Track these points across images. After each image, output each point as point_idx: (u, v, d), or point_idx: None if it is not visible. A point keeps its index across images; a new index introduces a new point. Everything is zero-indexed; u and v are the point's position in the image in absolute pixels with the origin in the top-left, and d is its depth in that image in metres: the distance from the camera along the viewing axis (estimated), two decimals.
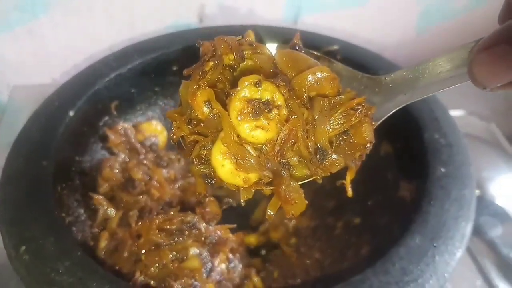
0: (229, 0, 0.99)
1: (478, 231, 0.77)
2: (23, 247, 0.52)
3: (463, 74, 0.40)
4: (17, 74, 1.00)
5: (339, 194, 0.77)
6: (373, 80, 0.50)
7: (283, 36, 0.79)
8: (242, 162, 0.42)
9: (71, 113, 0.68)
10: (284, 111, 0.42)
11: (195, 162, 0.45)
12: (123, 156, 0.76)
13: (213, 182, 0.45)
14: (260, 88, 0.42)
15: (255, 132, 0.42)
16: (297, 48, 0.49)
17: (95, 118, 0.75)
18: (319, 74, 0.44)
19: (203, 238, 0.61)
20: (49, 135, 0.65)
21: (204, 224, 0.62)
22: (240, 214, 0.74)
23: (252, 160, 0.43)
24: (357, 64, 0.71)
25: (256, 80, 0.42)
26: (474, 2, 1.10)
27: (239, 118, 0.42)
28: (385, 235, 0.67)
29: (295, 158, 0.44)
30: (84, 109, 0.70)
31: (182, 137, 0.46)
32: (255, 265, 0.69)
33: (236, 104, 0.42)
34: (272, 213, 0.45)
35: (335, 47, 0.80)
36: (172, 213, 0.63)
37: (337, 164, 0.45)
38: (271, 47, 0.48)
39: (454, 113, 0.71)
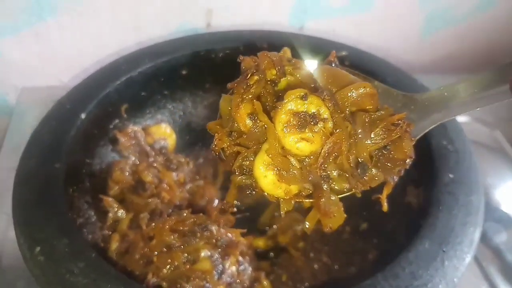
0: (235, 5, 0.99)
1: (483, 237, 0.77)
2: (38, 248, 0.52)
3: (499, 93, 0.41)
4: (24, 76, 1.01)
5: (347, 199, 0.78)
6: (408, 98, 0.51)
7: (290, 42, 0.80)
8: (285, 174, 0.43)
9: (83, 116, 0.69)
10: (330, 124, 0.43)
11: (236, 173, 0.46)
12: (133, 158, 0.76)
13: (254, 192, 0.46)
14: (306, 102, 0.43)
15: (300, 144, 0.43)
16: (333, 65, 0.50)
17: (106, 121, 0.76)
18: (361, 90, 0.45)
19: (214, 241, 0.61)
20: (61, 138, 0.65)
21: (216, 226, 0.63)
22: (248, 218, 0.75)
23: (295, 172, 0.43)
24: (366, 70, 0.71)
25: (303, 93, 0.43)
26: (479, 8, 1.10)
27: (285, 130, 0.43)
28: (392, 240, 0.68)
29: (335, 172, 0.45)
30: (95, 112, 0.71)
31: (222, 148, 0.47)
32: (264, 268, 0.70)
33: (282, 117, 0.43)
34: (310, 225, 0.46)
35: (344, 53, 0.81)
36: (185, 214, 0.63)
37: (376, 178, 0.46)
38: (309, 64, 0.49)
39: (459, 119, 0.72)
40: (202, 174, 0.82)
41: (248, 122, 0.44)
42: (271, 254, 0.77)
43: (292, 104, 0.43)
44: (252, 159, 0.45)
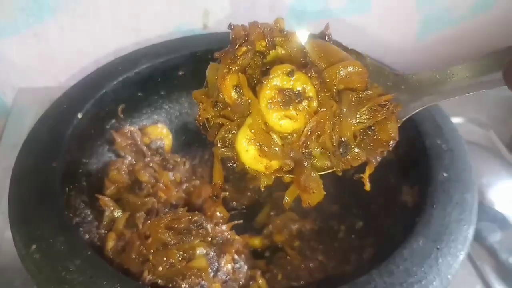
0: (232, 7, 1.00)
1: (477, 237, 0.78)
2: (34, 246, 0.52)
3: (492, 80, 0.41)
4: (22, 76, 1.01)
5: (342, 198, 0.79)
6: (399, 77, 0.50)
7: None
8: (266, 150, 0.43)
9: (80, 116, 0.69)
10: (315, 103, 0.43)
11: (219, 145, 0.45)
12: (129, 158, 0.76)
13: (235, 165, 0.45)
14: (292, 78, 0.42)
15: (284, 121, 0.42)
16: (326, 38, 0.48)
17: (103, 121, 0.76)
18: (350, 68, 0.44)
19: (209, 238, 0.61)
20: (58, 137, 0.66)
21: (211, 224, 0.63)
22: (244, 217, 0.75)
23: (276, 148, 0.43)
24: None
25: (289, 69, 0.42)
26: (474, 10, 1.11)
27: (268, 107, 0.42)
28: (388, 239, 0.68)
29: (317, 149, 0.44)
30: (92, 111, 0.71)
31: (207, 119, 0.46)
32: (260, 267, 0.70)
33: (267, 93, 0.42)
34: (288, 199, 0.45)
35: None
36: (180, 212, 0.63)
37: (358, 158, 0.45)
38: (302, 35, 0.48)
39: (454, 120, 0.72)
40: (198, 174, 0.83)
41: (233, 94, 0.44)
42: (267, 253, 0.77)
43: (277, 80, 0.42)
44: (235, 132, 0.44)
